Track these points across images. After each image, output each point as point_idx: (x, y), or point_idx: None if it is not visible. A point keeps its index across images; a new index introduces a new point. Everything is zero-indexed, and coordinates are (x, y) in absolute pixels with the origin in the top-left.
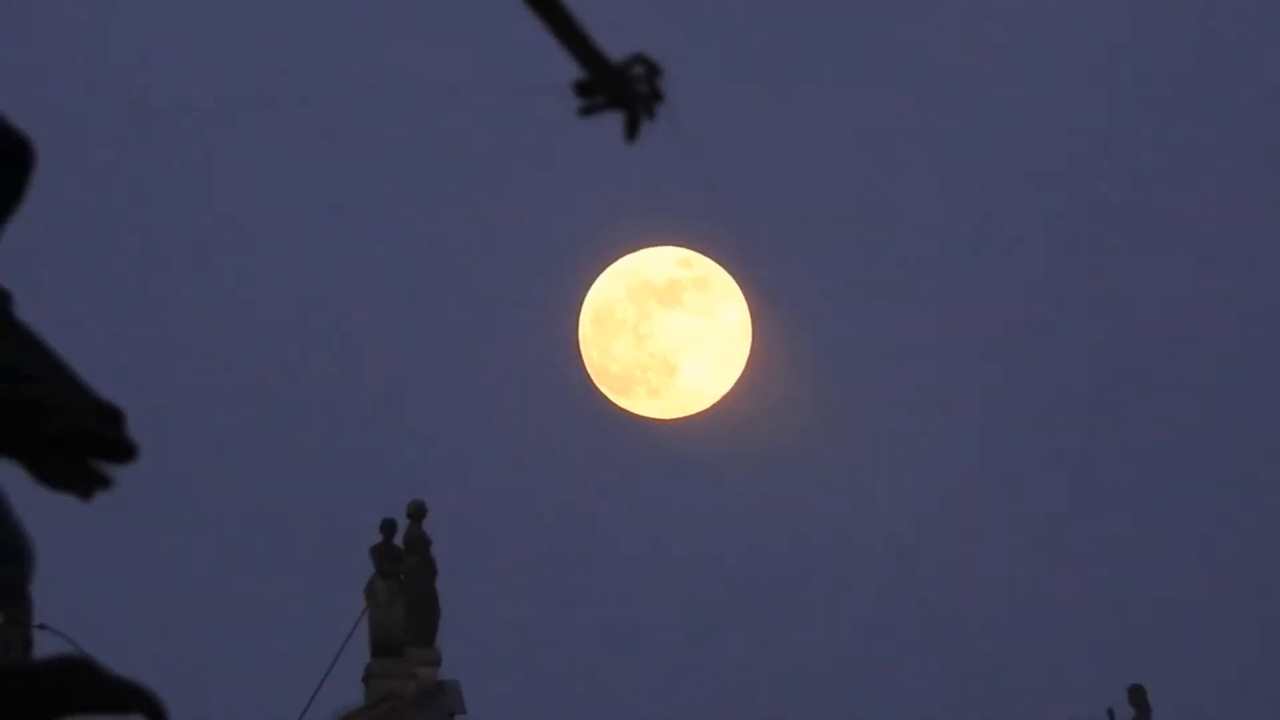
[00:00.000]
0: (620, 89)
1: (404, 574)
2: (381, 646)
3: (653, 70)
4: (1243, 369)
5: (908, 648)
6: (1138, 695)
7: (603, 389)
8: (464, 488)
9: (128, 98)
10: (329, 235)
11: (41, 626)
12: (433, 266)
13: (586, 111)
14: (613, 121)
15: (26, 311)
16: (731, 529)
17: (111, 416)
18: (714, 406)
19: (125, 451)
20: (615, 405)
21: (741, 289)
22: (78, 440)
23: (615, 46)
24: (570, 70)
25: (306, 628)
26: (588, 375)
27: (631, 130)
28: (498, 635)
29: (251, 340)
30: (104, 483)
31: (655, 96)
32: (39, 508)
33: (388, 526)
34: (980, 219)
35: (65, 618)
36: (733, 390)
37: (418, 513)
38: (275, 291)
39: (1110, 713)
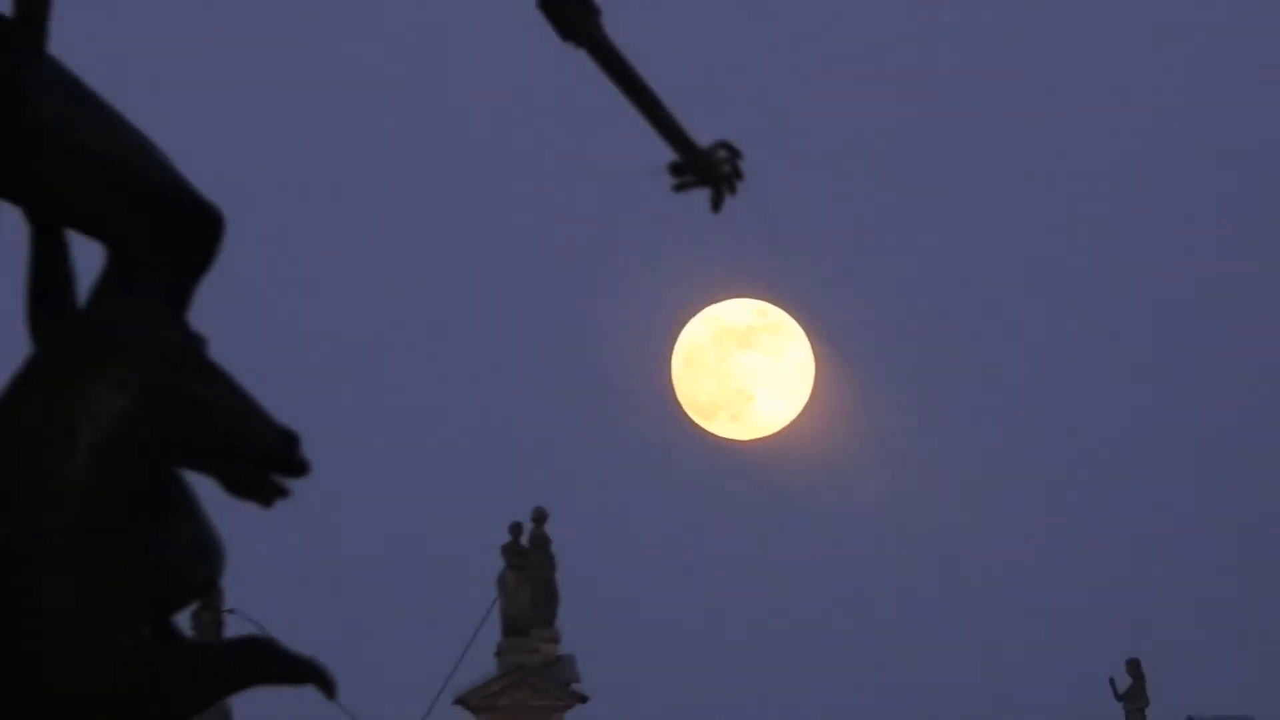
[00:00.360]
0: (707, 169)
1: (529, 567)
2: (511, 628)
3: (734, 154)
4: None
5: (931, 627)
6: (1134, 667)
7: (692, 415)
8: (579, 496)
9: None
10: (469, 291)
11: (230, 611)
12: (557, 316)
13: (680, 188)
14: (701, 195)
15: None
16: (796, 529)
17: (289, 440)
18: (783, 430)
19: (299, 469)
20: (702, 429)
21: (806, 333)
22: (262, 460)
23: (703, 131)
24: (664, 153)
25: (450, 612)
26: (679, 404)
27: (717, 203)
28: (608, 617)
29: (418, 385)
30: (282, 494)
31: (736, 175)
32: (230, 512)
33: (515, 529)
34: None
35: (252, 603)
36: (799, 417)
37: (540, 517)
38: (421, 347)
39: (1111, 681)
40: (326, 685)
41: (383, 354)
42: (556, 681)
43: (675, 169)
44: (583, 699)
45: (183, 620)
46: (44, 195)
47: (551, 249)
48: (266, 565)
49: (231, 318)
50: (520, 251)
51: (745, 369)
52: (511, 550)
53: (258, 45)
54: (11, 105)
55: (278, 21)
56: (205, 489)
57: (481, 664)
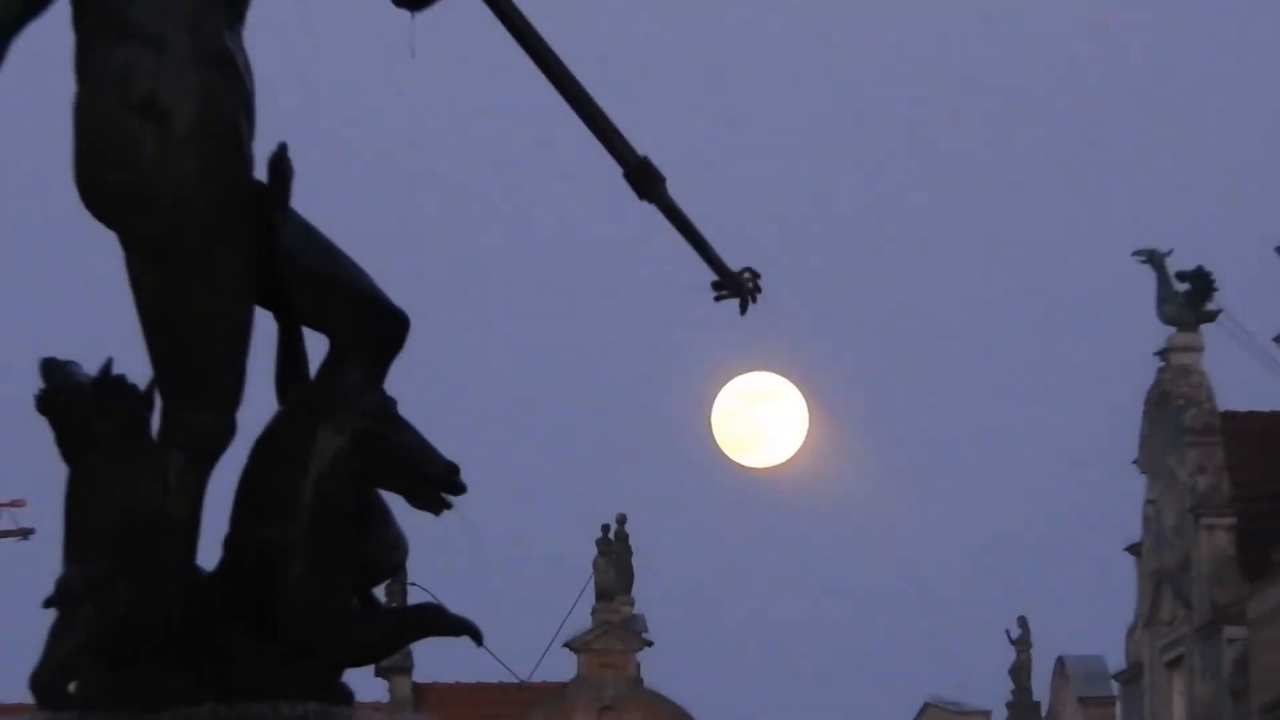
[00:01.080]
0: (737, 287)
1: (614, 554)
2: (601, 594)
3: (755, 275)
4: None
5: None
6: (1023, 623)
7: (724, 449)
8: (650, 505)
9: None
10: (580, 369)
11: (413, 584)
12: (635, 385)
13: (717, 299)
14: (732, 304)
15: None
16: (792, 529)
17: (452, 470)
18: (787, 461)
19: (458, 490)
20: (730, 459)
21: (801, 393)
22: (433, 483)
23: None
24: (708, 273)
25: (560, 585)
26: (716, 442)
27: (743, 309)
28: (668, 587)
29: (542, 427)
30: (447, 506)
31: (757, 290)
32: (410, 515)
33: (605, 528)
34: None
35: (427, 580)
36: (797, 453)
37: (622, 520)
38: (545, 405)
39: (1007, 633)
40: (476, 635)
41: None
42: (631, 631)
43: (715, 285)
44: (649, 644)
45: (379, 592)
46: (288, 304)
47: (634, 341)
48: (437, 553)
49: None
50: (615, 346)
51: (761, 419)
52: (602, 542)
53: None
54: (270, 245)
55: None
56: (392, 501)
57: (581, 620)
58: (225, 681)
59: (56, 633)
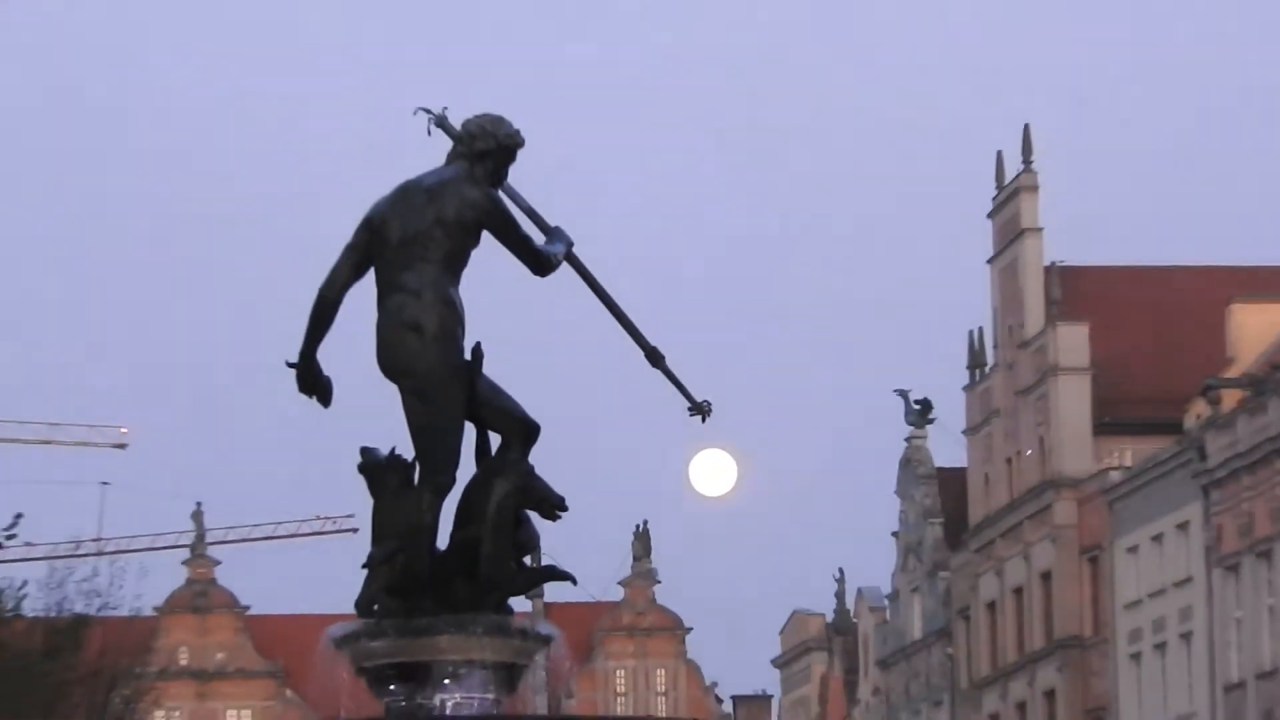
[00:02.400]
0: (701, 411)
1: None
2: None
3: (710, 404)
4: None
5: None
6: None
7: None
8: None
9: None
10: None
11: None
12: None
13: (691, 415)
14: (695, 420)
15: None
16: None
17: (561, 501)
18: (731, 490)
19: (564, 508)
20: (697, 490)
21: (734, 459)
22: (552, 506)
23: (699, 388)
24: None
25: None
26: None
27: (704, 419)
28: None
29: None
30: (561, 516)
31: (710, 412)
32: (541, 523)
33: (637, 527)
34: None
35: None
36: (735, 487)
37: (645, 523)
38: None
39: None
40: (574, 580)
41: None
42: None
43: (690, 410)
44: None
45: (526, 560)
46: (480, 420)
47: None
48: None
49: None
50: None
51: (712, 466)
52: (638, 533)
53: None
54: (472, 391)
55: None
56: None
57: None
58: (453, 604)
59: (367, 581)
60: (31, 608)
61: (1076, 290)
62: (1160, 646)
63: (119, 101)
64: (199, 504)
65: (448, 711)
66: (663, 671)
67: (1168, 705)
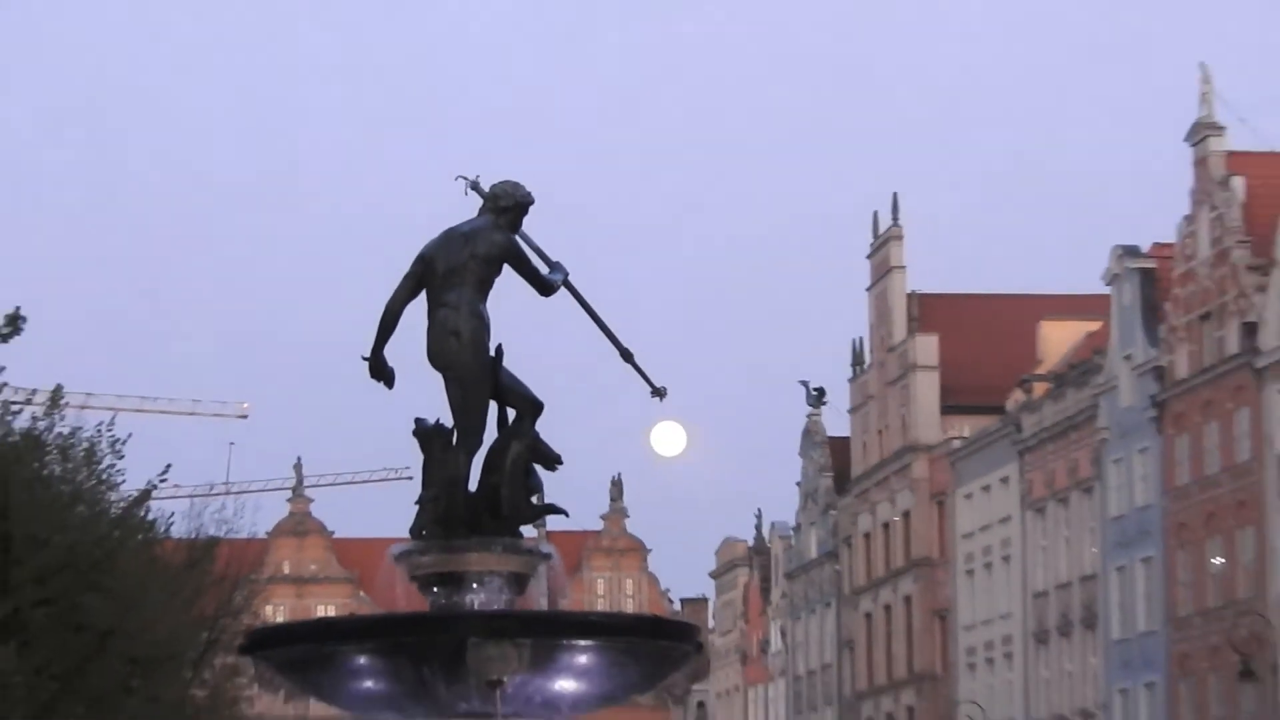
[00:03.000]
0: (660, 394)
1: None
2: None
3: (666, 390)
4: None
5: None
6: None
7: (655, 447)
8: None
9: None
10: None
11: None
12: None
13: (653, 397)
14: (655, 400)
15: None
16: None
17: (560, 458)
18: (684, 450)
19: (560, 463)
20: (655, 452)
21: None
22: (553, 460)
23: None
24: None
25: (590, 500)
26: (651, 444)
27: (661, 399)
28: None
29: None
30: (558, 467)
31: (665, 394)
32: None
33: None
34: None
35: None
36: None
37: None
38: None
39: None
40: (565, 513)
41: None
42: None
43: (652, 392)
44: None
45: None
46: (500, 399)
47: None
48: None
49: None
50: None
51: (664, 437)
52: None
53: None
54: (497, 379)
55: None
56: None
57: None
58: (480, 530)
59: (418, 515)
60: (177, 532)
61: (929, 311)
62: (988, 566)
63: (243, 81)
64: (299, 458)
65: (475, 607)
66: (631, 581)
67: (992, 608)
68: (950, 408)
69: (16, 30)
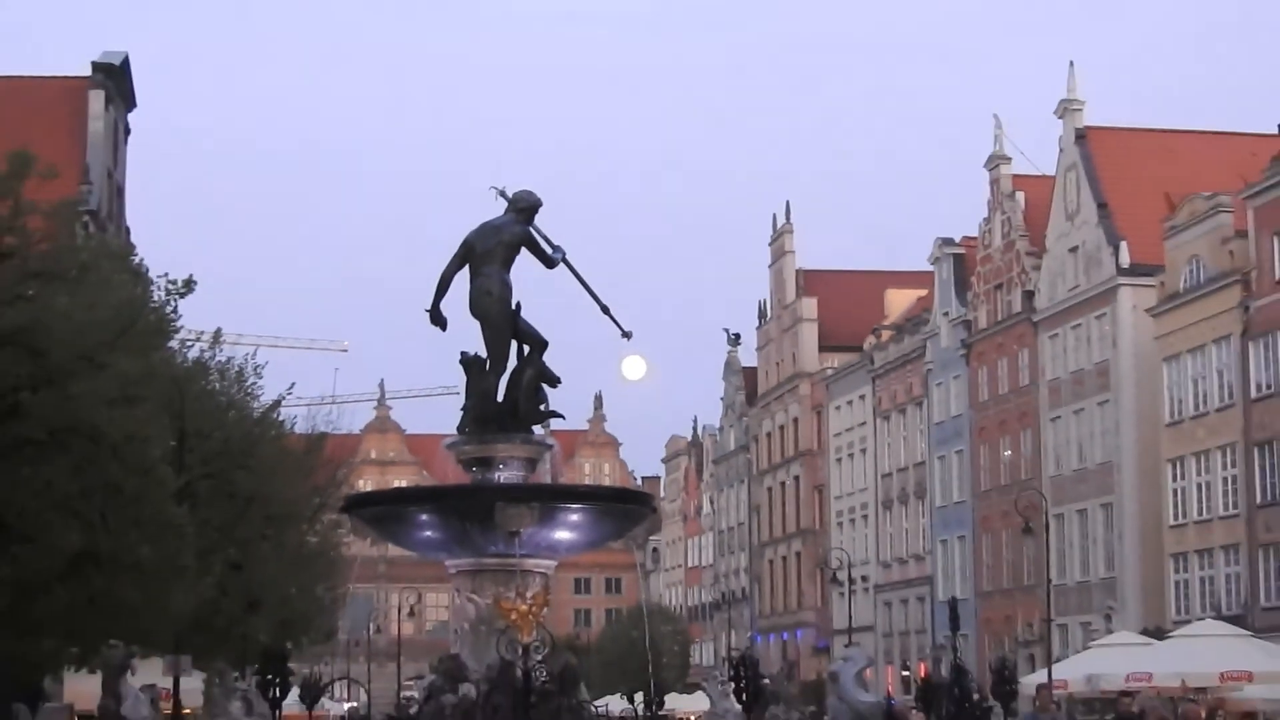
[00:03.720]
0: (627, 335)
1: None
2: (597, 406)
3: (632, 333)
4: None
5: None
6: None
7: (625, 374)
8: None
9: None
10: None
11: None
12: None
13: (622, 337)
14: (624, 340)
15: None
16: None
17: (558, 380)
18: (643, 377)
19: (559, 383)
20: (625, 378)
21: (644, 360)
22: (554, 380)
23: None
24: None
25: (577, 410)
26: (623, 374)
27: (628, 339)
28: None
29: None
30: (558, 386)
31: (631, 336)
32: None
33: (598, 396)
34: None
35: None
36: (646, 374)
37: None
38: None
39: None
40: (562, 416)
41: None
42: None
43: (621, 334)
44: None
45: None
46: (519, 339)
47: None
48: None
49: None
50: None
51: (633, 363)
52: (595, 397)
53: None
54: (516, 325)
55: None
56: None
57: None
58: (505, 428)
59: (462, 417)
60: (298, 430)
61: (811, 281)
62: (851, 455)
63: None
64: (382, 379)
65: (501, 481)
66: (608, 465)
67: (854, 484)
68: (825, 347)
69: None
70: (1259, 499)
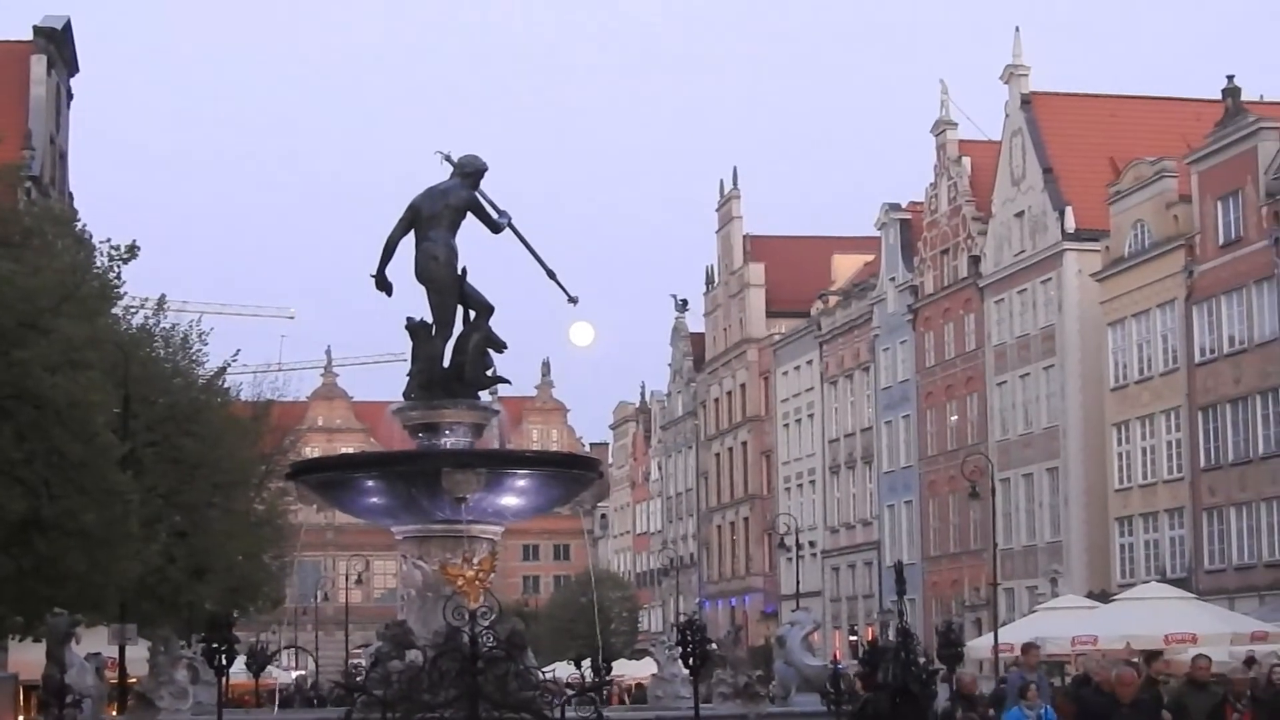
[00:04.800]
0: (574, 301)
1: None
2: (546, 372)
3: (579, 298)
4: None
5: None
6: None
7: (573, 340)
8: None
9: None
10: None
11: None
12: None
13: (569, 303)
14: (571, 306)
15: None
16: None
17: (504, 345)
18: (591, 344)
19: (505, 349)
20: (573, 344)
21: (592, 327)
22: (500, 346)
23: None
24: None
25: (524, 376)
26: (570, 341)
27: (575, 305)
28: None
29: None
30: (503, 351)
31: (578, 301)
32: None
33: (545, 364)
34: None
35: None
36: (593, 341)
37: (547, 363)
38: None
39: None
40: (509, 381)
41: None
42: (548, 386)
43: (568, 300)
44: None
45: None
46: (465, 303)
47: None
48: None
49: None
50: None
51: (581, 330)
52: (543, 363)
53: None
54: (463, 289)
55: None
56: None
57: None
58: (452, 394)
59: (408, 382)
60: (244, 396)
61: (758, 247)
62: (798, 421)
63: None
64: (328, 346)
65: (448, 447)
66: (555, 431)
67: (801, 449)
68: (772, 313)
69: None
70: (1203, 462)
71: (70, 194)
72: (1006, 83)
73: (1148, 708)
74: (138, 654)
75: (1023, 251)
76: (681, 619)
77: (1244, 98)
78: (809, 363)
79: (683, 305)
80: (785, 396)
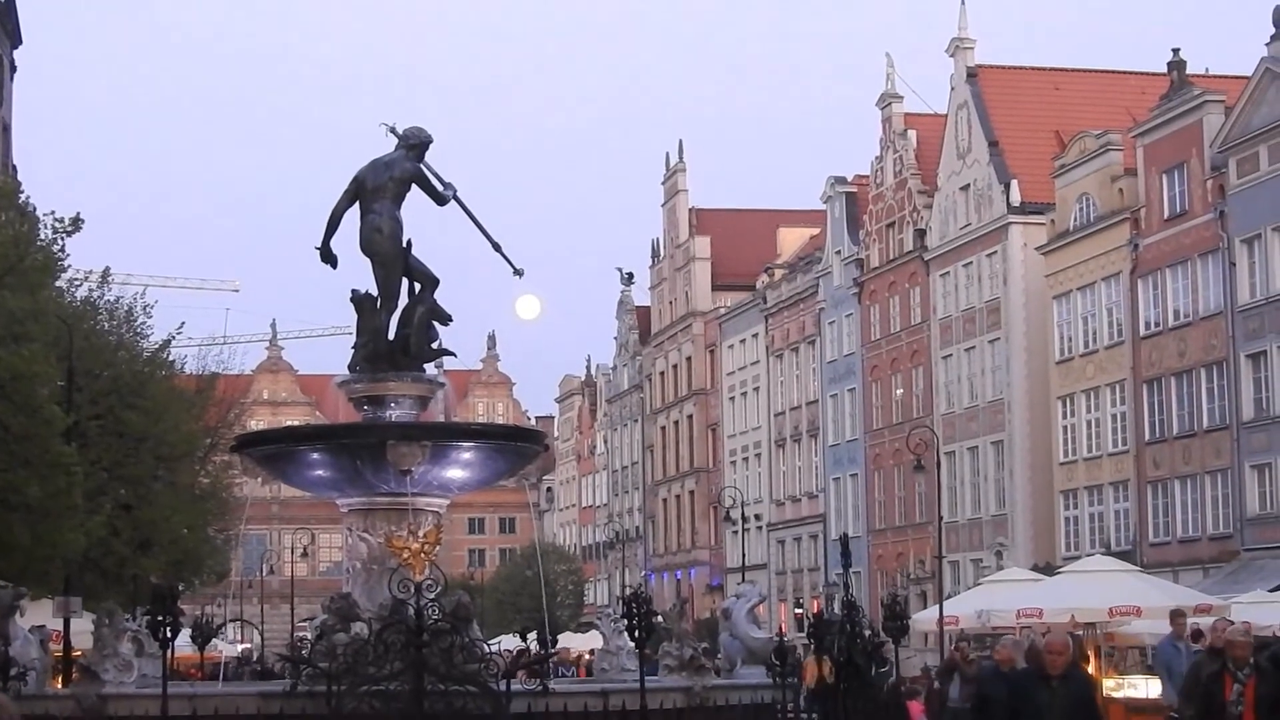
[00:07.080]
0: (519, 273)
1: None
2: (488, 345)
3: (524, 271)
4: None
5: None
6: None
7: (520, 314)
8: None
9: None
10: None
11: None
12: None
13: (514, 275)
14: (516, 279)
15: None
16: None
17: (449, 318)
18: (537, 317)
19: (450, 322)
20: (520, 319)
21: (538, 300)
22: (445, 318)
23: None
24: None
25: (469, 349)
26: (516, 314)
27: (520, 277)
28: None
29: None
30: (449, 322)
31: (523, 274)
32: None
33: (491, 336)
34: None
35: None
36: (540, 315)
37: (492, 336)
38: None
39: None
40: (454, 355)
41: None
42: (494, 359)
43: (514, 272)
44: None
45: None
46: (410, 276)
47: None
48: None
49: None
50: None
51: (527, 302)
52: (488, 336)
53: None
54: (408, 262)
55: None
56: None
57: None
58: (397, 366)
59: (353, 354)
60: (189, 369)
61: (704, 220)
62: (744, 394)
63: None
64: (274, 319)
65: (393, 419)
66: (501, 404)
67: (747, 423)
68: (718, 286)
69: None
70: (1147, 435)
71: (14, 167)
72: (952, 56)
73: (1079, 681)
74: (82, 627)
75: (968, 225)
76: (627, 592)
77: (1189, 71)
78: (754, 336)
79: (628, 278)
80: (731, 370)
